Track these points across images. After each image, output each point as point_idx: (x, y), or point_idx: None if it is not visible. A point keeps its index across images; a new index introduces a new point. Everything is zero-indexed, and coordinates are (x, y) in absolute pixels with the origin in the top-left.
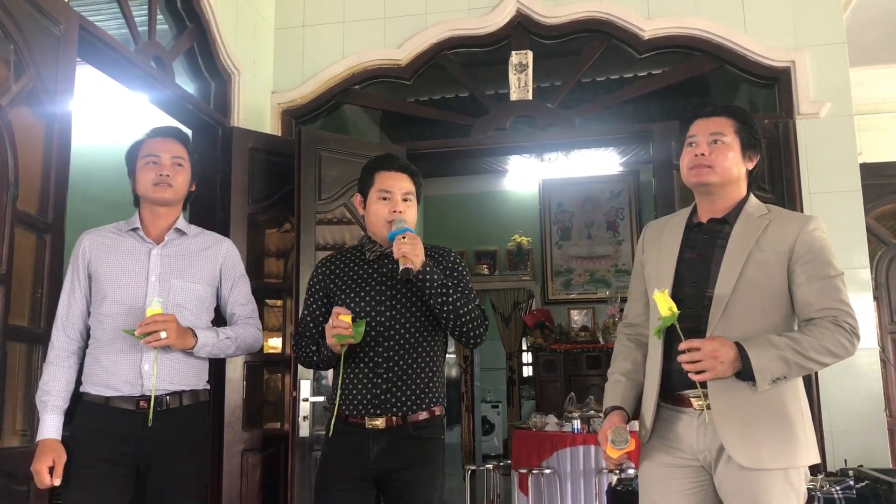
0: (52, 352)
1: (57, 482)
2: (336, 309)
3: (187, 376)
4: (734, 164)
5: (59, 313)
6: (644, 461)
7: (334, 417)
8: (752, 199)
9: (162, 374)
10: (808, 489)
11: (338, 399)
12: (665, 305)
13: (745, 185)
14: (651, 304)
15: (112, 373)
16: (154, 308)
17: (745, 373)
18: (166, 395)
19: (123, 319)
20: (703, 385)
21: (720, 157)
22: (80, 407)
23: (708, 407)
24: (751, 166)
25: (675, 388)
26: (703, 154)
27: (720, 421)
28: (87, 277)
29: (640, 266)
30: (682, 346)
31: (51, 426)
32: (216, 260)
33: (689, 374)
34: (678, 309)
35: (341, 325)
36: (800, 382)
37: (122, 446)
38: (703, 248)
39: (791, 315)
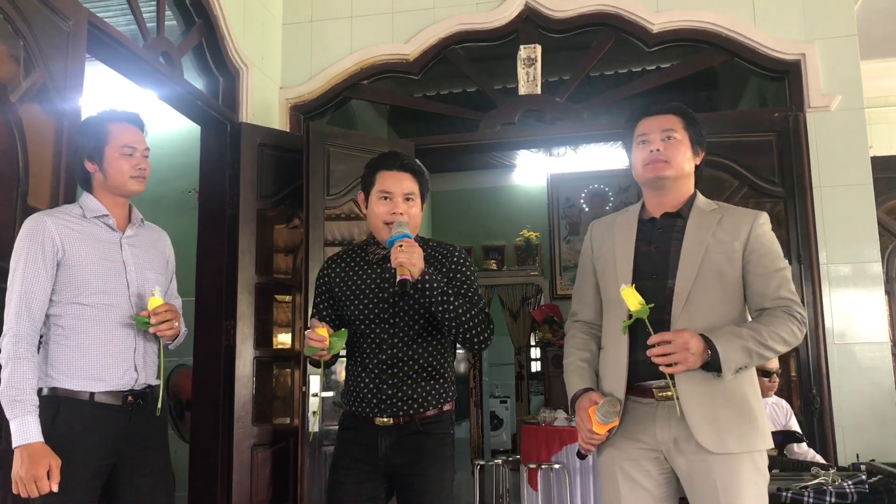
0: (20, 344)
1: (55, 487)
2: (313, 321)
3: (155, 370)
4: (686, 160)
5: (20, 301)
6: (604, 452)
7: (319, 411)
8: (699, 194)
9: (149, 367)
10: (820, 483)
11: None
12: (635, 300)
13: (693, 181)
14: (609, 300)
15: (104, 365)
16: (157, 297)
17: (712, 363)
18: (147, 387)
19: (113, 310)
20: (670, 377)
21: (675, 153)
22: (56, 403)
23: (676, 397)
24: (698, 162)
25: (638, 380)
26: (658, 150)
27: (687, 409)
28: (55, 264)
29: (590, 263)
30: (654, 339)
31: (35, 429)
32: (164, 252)
33: (661, 367)
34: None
35: (314, 337)
36: (753, 371)
37: (105, 445)
38: (660, 242)
39: (744, 304)
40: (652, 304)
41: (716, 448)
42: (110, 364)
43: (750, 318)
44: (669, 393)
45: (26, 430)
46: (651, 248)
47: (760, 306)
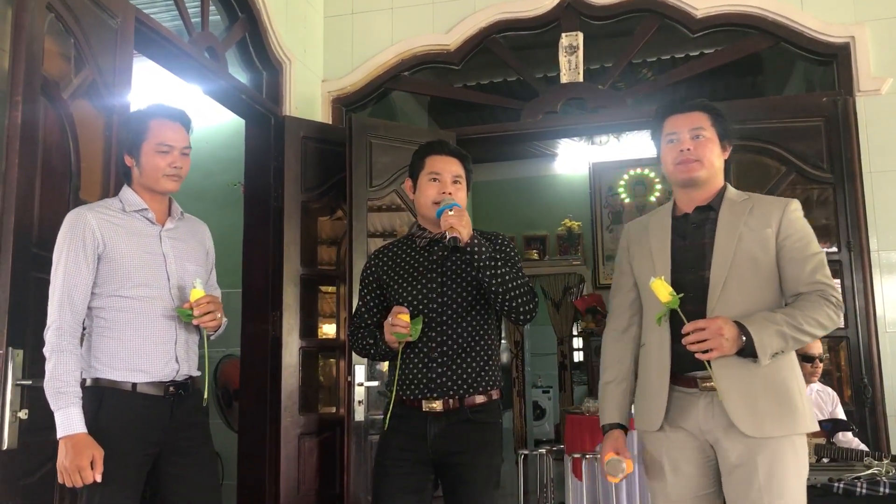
0: (63, 337)
1: (98, 477)
2: (396, 307)
3: (196, 361)
4: (716, 157)
5: (62, 294)
6: (650, 440)
7: (390, 409)
8: (729, 186)
9: (190, 358)
10: (873, 473)
11: (394, 394)
12: (665, 291)
13: (723, 175)
14: (648, 297)
15: (146, 357)
16: (198, 289)
17: (747, 349)
18: (188, 378)
19: (156, 302)
20: (707, 364)
21: (705, 151)
22: (100, 394)
23: (714, 388)
24: (726, 156)
25: (682, 370)
26: (688, 149)
27: (726, 395)
28: (96, 258)
29: (627, 264)
30: (687, 327)
31: (78, 420)
32: (205, 244)
33: (696, 354)
34: (679, 294)
35: (400, 323)
36: (793, 355)
37: (148, 435)
38: (694, 236)
39: (780, 290)
40: (682, 294)
41: (755, 432)
42: (151, 355)
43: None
44: (713, 384)
45: (70, 421)
46: (686, 242)
47: (795, 291)
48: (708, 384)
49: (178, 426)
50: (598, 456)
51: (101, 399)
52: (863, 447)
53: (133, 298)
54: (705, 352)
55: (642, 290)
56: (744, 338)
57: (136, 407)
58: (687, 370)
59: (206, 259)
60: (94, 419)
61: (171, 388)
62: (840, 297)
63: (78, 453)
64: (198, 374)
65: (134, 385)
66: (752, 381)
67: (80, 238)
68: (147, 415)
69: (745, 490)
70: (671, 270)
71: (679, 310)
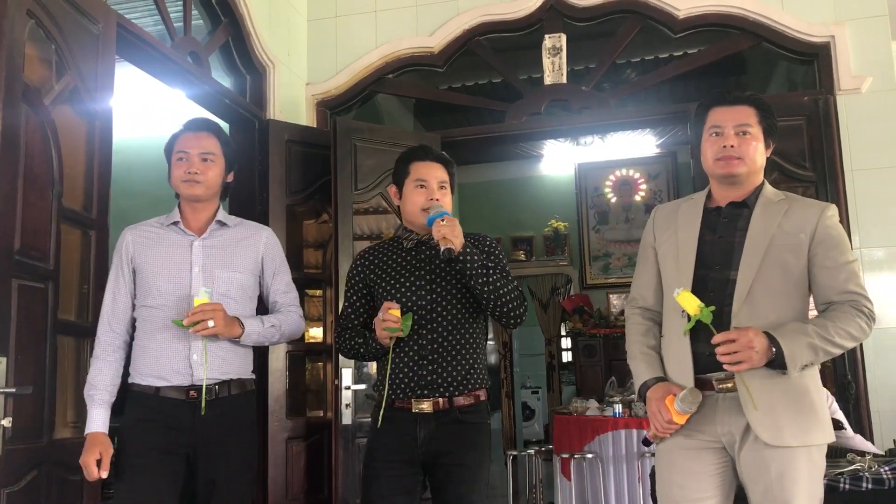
0: (98, 347)
1: (104, 474)
2: (386, 304)
3: (234, 365)
4: (759, 155)
5: (104, 309)
6: (664, 442)
7: (383, 407)
8: (767, 184)
9: (211, 364)
10: (856, 469)
11: (386, 391)
12: (694, 303)
13: (762, 173)
14: (669, 288)
15: (161, 363)
16: (201, 297)
17: (777, 361)
18: (215, 384)
19: (171, 311)
20: (741, 378)
21: (749, 149)
22: (129, 398)
23: (734, 389)
24: (768, 154)
25: (699, 371)
26: (732, 146)
27: (746, 401)
28: (131, 272)
29: (651, 249)
30: (718, 338)
31: (97, 420)
32: (257, 249)
33: (725, 366)
34: (698, 291)
35: (391, 318)
36: (816, 365)
37: (172, 436)
38: (724, 231)
39: (808, 296)
40: (713, 308)
41: (773, 441)
42: (166, 362)
43: (815, 312)
44: (730, 385)
45: (91, 420)
46: (715, 237)
47: (827, 300)
48: (724, 386)
49: (207, 429)
50: (587, 456)
51: (130, 400)
52: (868, 445)
53: (154, 308)
54: (735, 363)
55: (664, 278)
56: (773, 349)
57: (158, 409)
58: (703, 371)
59: (252, 264)
60: (124, 419)
61: (192, 392)
62: (872, 307)
63: (87, 450)
64: (226, 378)
65: (157, 389)
66: (775, 389)
67: (118, 257)
68: (170, 417)
69: (757, 488)
70: (695, 265)
71: (710, 325)
